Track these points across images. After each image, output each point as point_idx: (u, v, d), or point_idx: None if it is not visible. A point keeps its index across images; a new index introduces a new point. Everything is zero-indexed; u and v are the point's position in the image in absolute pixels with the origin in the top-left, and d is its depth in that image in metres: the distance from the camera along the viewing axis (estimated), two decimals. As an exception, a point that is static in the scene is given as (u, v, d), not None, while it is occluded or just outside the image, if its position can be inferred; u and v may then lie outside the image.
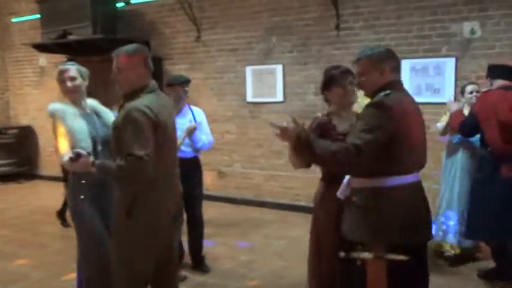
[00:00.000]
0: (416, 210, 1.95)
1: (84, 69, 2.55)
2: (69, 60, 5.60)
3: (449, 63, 4.38)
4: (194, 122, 3.49)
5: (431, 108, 4.16)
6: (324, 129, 2.23)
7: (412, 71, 4.57)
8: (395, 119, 1.83)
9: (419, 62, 4.54)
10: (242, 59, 5.74)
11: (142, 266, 2.03)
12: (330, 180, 2.24)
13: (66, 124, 2.36)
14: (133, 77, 2.04)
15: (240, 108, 5.75)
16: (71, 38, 6.35)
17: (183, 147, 3.45)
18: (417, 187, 1.98)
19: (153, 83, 2.11)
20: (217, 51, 5.90)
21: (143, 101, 1.96)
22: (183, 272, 3.36)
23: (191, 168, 3.46)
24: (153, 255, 2.05)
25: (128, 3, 6.38)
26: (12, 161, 7.90)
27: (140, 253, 2.00)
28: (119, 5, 6.44)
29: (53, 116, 2.42)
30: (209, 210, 5.61)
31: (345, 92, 2.26)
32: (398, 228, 1.85)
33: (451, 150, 3.56)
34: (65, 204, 4.77)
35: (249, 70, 5.67)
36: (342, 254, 1.91)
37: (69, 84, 2.42)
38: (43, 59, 7.78)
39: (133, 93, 2.03)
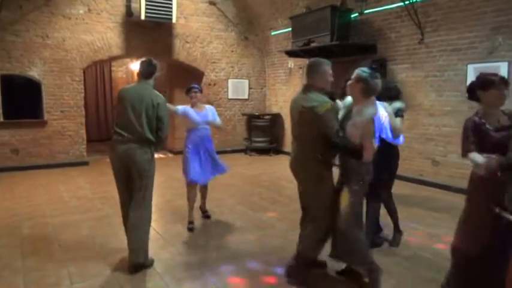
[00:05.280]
0: None
1: None
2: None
3: None
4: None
5: None
6: (476, 127, 2.60)
7: None
8: None
9: None
10: (464, 57, 5.75)
11: None
12: None
13: None
14: None
15: (459, 103, 5.80)
16: (313, 45, 7.33)
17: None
18: None
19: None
20: (438, 52, 6.06)
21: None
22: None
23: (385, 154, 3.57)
24: None
25: (361, 13, 6.93)
26: (265, 139, 9.66)
27: None
28: (353, 15, 7.15)
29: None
30: (422, 194, 5.93)
31: (500, 95, 2.59)
32: None
33: None
34: None
35: (470, 68, 5.68)
36: (497, 209, 2.44)
37: None
38: (291, 62, 9.23)
39: None
